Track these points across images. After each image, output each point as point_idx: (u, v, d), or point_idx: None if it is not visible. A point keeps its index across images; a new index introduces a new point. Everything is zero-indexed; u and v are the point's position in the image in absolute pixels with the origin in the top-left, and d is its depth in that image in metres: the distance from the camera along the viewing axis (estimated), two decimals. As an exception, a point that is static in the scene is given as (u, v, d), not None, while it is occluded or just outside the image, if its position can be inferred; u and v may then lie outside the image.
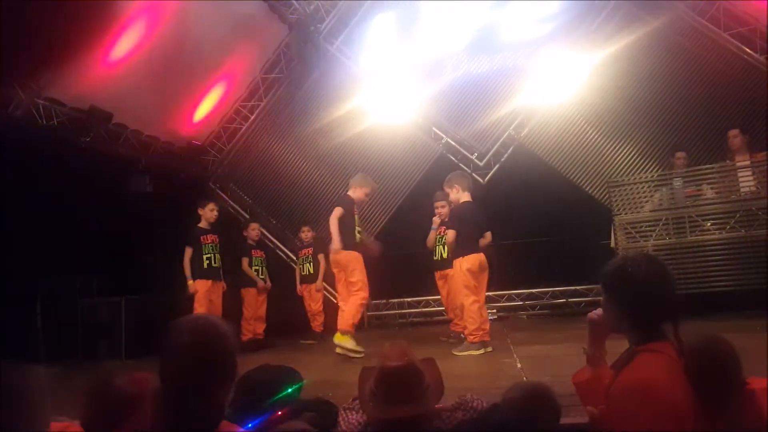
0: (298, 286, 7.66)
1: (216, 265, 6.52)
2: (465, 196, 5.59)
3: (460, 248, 5.39)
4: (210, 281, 6.40)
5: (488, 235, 5.58)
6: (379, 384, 1.74)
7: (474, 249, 5.39)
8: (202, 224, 6.58)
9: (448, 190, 5.69)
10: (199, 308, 6.12)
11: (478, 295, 5.35)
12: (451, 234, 5.41)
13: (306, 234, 7.80)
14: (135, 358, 6.39)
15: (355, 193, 5.87)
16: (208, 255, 6.45)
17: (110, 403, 1.76)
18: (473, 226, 5.44)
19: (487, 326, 5.33)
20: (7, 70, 5.37)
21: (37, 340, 6.57)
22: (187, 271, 6.31)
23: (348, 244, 5.60)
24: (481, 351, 5.15)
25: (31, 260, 6.09)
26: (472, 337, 5.20)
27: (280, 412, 1.94)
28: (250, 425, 1.65)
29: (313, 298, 7.59)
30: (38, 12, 5.08)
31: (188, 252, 6.36)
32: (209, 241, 6.52)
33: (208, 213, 6.59)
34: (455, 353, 5.18)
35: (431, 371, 1.97)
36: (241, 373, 2.15)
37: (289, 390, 2.08)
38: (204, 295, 6.28)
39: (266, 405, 1.96)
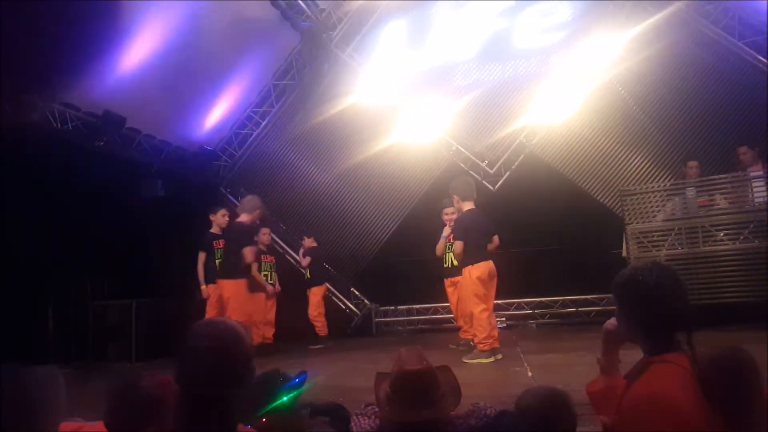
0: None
1: None
2: (467, 205, 5.58)
3: (469, 257, 5.37)
4: None
5: (495, 239, 5.59)
6: (396, 388, 1.74)
7: (483, 257, 5.37)
8: (214, 229, 6.69)
9: (452, 197, 5.74)
10: (212, 312, 6.19)
11: (487, 303, 5.35)
12: (458, 245, 5.41)
13: (306, 242, 7.89)
14: (145, 361, 6.42)
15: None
16: (220, 260, 6.51)
17: (135, 405, 1.78)
18: (480, 233, 5.43)
19: (496, 333, 5.34)
20: (24, 76, 5.44)
21: (48, 342, 6.61)
22: (201, 276, 6.45)
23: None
24: (491, 359, 5.15)
25: (44, 263, 6.14)
26: (481, 345, 5.21)
27: (285, 413, 1.95)
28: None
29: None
30: (53, 18, 5.15)
31: (201, 257, 6.50)
32: (221, 246, 6.59)
33: (220, 218, 6.71)
34: (465, 361, 5.17)
35: (447, 378, 1.97)
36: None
37: (285, 398, 2.07)
38: (216, 300, 6.34)
39: (270, 406, 1.97)
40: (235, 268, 5.82)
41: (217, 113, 8.50)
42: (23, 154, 5.60)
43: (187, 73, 7.14)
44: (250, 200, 6.19)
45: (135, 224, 7.06)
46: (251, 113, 9.14)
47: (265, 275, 7.35)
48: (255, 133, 9.22)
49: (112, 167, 6.94)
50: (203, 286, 6.41)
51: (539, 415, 1.78)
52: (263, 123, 9.17)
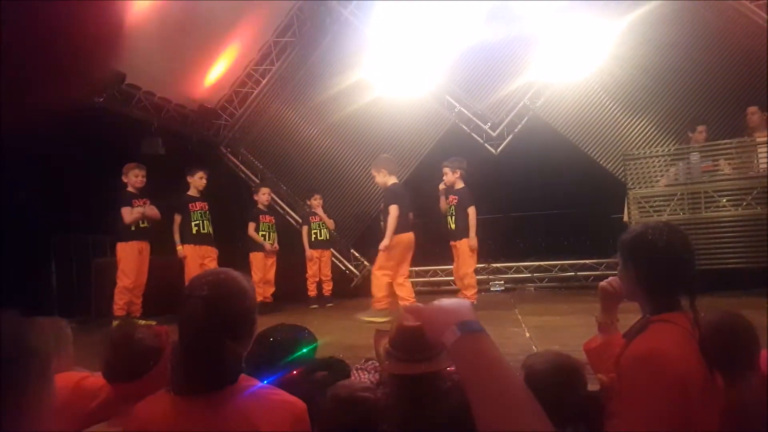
0: (309, 251, 7.70)
1: (205, 231, 6.69)
2: (392, 179, 5.92)
3: (401, 226, 5.76)
4: (199, 246, 6.60)
5: (410, 215, 6.00)
6: (395, 343, 1.75)
7: (408, 228, 5.82)
8: (191, 192, 6.76)
9: (375, 172, 6.00)
10: (191, 272, 6.25)
11: (394, 270, 5.84)
12: (395, 209, 5.69)
13: (318, 201, 7.84)
14: (146, 318, 6.48)
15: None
16: (197, 222, 6.64)
17: (131, 355, 1.79)
18: (406, 206, 5.85)
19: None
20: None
21: (51, 298, 6.67)
22: (176, 237, 6.55)
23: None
24: (385, 319, 5.52)
25: (45, 219, 6.14)
26: (378, 304, 5.75)
27: (295, 371, 1.98)
28: (266, 382, 1.67)
29: (327, 263, 7.75)
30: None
31: (177, 219, 6.61)
32: (198, 208, 6.69)
33: (198, 181, 6.76)
34: (361, 318, 5.63)
35: None
36: (258, 332, 2.19)
37: (305, 349, 2.11)
38: (193, 260, 6.48)
39: (282, 363, 1.99)
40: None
41: (217, 71, 8.37)
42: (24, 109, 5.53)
43: (187, 29, 6.99)
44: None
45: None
46: (252, 71, 8.99)
47: (263, 235, 7.38)
48: (255, 92, 9.09)
49: (113, 124, 6.88)
50: (179, 246, 6.54)
51: (548, 379, 1.77)
52: (264, 81, 9.04)
